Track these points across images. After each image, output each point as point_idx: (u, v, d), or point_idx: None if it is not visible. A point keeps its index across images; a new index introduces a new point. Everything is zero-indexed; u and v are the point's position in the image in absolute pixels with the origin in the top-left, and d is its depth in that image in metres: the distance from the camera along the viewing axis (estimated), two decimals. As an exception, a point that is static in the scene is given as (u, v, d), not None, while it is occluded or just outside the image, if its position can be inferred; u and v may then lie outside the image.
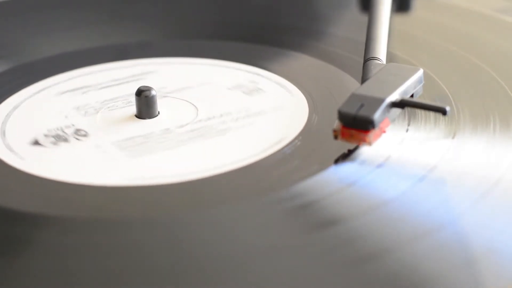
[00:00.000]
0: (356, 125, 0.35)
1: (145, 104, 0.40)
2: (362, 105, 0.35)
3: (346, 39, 0.47)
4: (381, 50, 0.41)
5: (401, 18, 0.50)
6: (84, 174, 0.36)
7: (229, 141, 0.38)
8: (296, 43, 0.47)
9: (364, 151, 0.36)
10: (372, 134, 0.35)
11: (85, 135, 0.39)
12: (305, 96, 0.41)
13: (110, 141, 0.38)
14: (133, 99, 0.41)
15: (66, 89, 0.44)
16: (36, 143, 0.39)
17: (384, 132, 0.35)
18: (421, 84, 0.38)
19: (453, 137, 0.37)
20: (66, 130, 0.39)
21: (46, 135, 0.39)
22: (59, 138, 0.39)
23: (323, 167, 0.35)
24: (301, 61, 0.45)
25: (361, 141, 0.35)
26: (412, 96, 0.37)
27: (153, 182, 0.35)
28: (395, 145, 0.36)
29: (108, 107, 0.41)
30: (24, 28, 0.51)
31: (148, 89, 0.40)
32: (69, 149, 0.38)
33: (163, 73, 0.45)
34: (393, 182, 0.34)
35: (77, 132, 0.39)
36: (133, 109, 0.41)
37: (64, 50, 0.48)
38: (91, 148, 0.38)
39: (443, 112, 0.35)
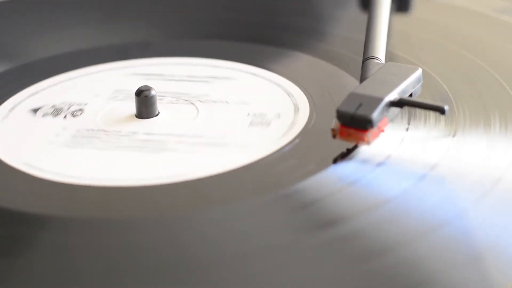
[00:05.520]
0: (354, 124, 0.35)
1: (138, 103, 0.40)
2: (360, 104, 0.35)
3: (346, 38, 0.47)
4: (380, 50, 0.41)
5: (401, 18, 0.50)
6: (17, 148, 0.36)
7: (151, 159, 0.37)
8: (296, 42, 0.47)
9: (365, 150, 0.36)
10: (370, 133, 0.35)
11: (75, 116, 0.39)
12: (305, 94, 0.41)
13: (83, 127, 0.38)
14: (177, 97, 0.41)
15: (139, 72, 0.44)
16: (35, 111, 0.39)
17: (383, 131, 0.35)
18: (420, 84, 0.38)
19: (453, 136, 0.37)
20: (71, 107, 0.39)
21: (52, 106, 0.39)
22: (55, 112, 0.39)
23: (323, 166, 0.35)
24: (301, 60, 0.45)
25: (360, 140, 0.35)
26: (411, 95, 0.37)
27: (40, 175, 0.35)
28: (395, 144, 0.36)
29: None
30: (25, 27, 0.51)
31: (148, 89, 0.40)
32: (44, 123, 0.38)
33: (235, 82, 0.43)
34: (393, 181, 0.34)
35: (75, 112, 0.39)
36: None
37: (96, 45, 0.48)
38: (57, 128, 0.38)
39: (441, 111, 0.35)
